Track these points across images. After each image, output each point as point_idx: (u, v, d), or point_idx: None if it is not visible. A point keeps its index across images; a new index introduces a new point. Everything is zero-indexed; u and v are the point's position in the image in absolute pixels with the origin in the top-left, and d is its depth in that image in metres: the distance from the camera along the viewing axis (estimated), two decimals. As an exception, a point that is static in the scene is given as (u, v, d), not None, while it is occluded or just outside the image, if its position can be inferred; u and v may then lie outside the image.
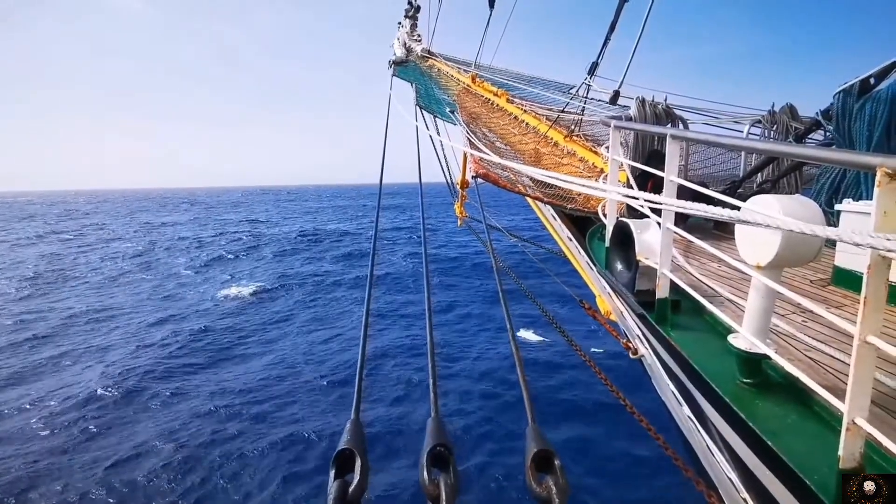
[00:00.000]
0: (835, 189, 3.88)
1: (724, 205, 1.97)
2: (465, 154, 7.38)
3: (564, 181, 2.89)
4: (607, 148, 3.67)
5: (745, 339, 2.07)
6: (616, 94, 4.79)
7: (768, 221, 1.45)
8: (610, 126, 3.50)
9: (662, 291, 2.66)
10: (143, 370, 13.65)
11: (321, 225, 53.11)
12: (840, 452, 1.49)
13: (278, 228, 52.21)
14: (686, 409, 2.95)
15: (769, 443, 1.73)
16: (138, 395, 12.14)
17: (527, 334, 14.54)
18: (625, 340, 4.44)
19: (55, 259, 35.01)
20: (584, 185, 2.74)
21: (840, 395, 1.56)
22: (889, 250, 1.17)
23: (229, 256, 33.60)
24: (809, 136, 4.63)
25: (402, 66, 11.52)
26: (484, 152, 5.22)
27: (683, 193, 4.18)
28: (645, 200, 2.69)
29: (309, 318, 17.89)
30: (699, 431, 2.83)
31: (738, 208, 1.99)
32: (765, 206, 1.84)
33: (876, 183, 1.35)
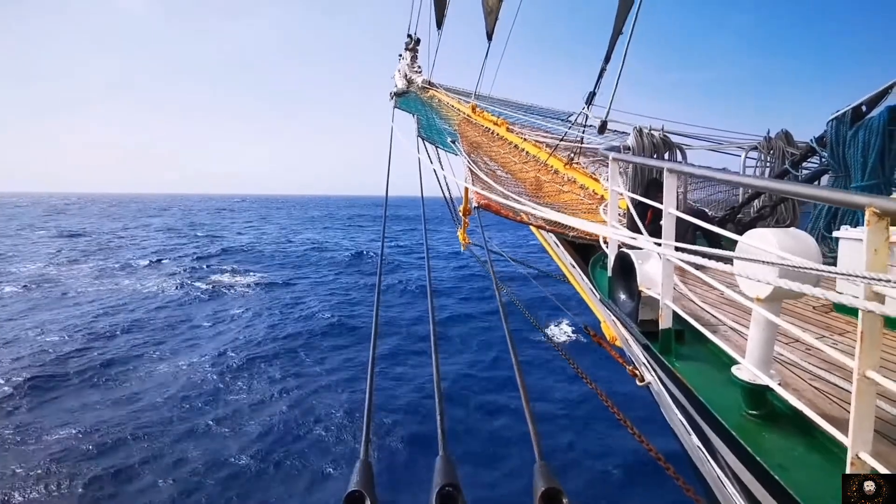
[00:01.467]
0: (833, 214, 3.93)
1: (721, 239, 2.01)
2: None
3: (566, 219, 2.96)
4: (607, 178, 3.74)
5: (748, 369, 2.09)
6: (603, 125, 4.91)
7: (757, 274, 1.49)
8: (609, 157, 3.57)
9: (665, 322, 2.68)
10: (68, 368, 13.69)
11: (296, 235, 53.33)
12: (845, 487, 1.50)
13: (254, 236, 52.22)
14: (695, 439, 2.94)
15: (776, 477, 1.73)
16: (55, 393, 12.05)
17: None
18: (631, 367, 4.43)
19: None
20: (584, 224, 2.80)
21: (844, 426, 1.57)
22: (880, 304, 1.21)
23: (189, 263, 32.72)
24: (805, 162, 4.70)
25: (404, 98, 11.78)
26: (484, 182, 5.31)
27: (683, 220, 4.24)
28: (645, 236, 2.75)
29: (291, 343, 16.71)
30: (709, 461, 2.81)
31: (736, 242, 2.04)
32: (761, 241, 1.89)
33: (865, 222, 1.40)
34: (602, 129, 4.94)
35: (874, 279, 1.23)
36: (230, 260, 33.34)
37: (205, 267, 29.92)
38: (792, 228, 1.92)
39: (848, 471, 1.49)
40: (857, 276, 1.27)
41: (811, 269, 1.44)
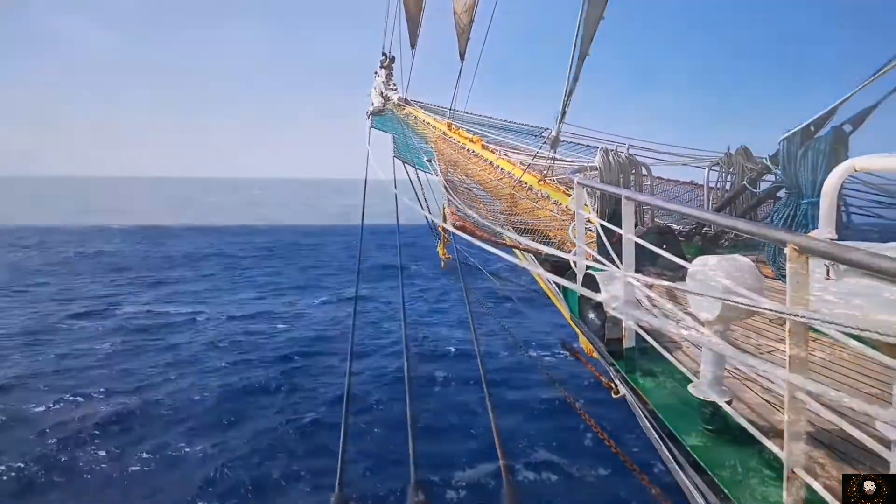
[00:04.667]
0: (788, 227, 4.14)
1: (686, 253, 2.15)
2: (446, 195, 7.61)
3: (536, 245, 3.09)
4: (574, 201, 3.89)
5: (701, 387, 2.23)
6: (556, 139, 5.11)
7: (703, 300, 1.62)
8: (574, 181, 3.73)
9: (629, 341, 2.82)
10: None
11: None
12: (784, 500, 1.63)
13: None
14: (666, 451, 3.07)
15: (726, 491, 1.86)
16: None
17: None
18: (607, 380, 4.57)
19: None
20: (552, 250, 2.94)
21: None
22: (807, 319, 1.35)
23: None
24: (763, 178, 4.95)
25: (380, 116, 11.91)
26: (459, 205, 5.43)
27: (651, 234, 4.38)
28: (608, 256, 2.90)
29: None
30: (679, 472, 2.94)
31: (685, 270, 2.18)
32: (707, 268, 2.03)
33: (788, 258, 1.55)
34: (554, 143, 5.13)
35: (792, 315, 1.37)
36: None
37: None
38: (735, 255, 2.07)
39: (784, 485, 1.62)
40: (778, 312, 1.41)
41: (745, 304, 1.58)
